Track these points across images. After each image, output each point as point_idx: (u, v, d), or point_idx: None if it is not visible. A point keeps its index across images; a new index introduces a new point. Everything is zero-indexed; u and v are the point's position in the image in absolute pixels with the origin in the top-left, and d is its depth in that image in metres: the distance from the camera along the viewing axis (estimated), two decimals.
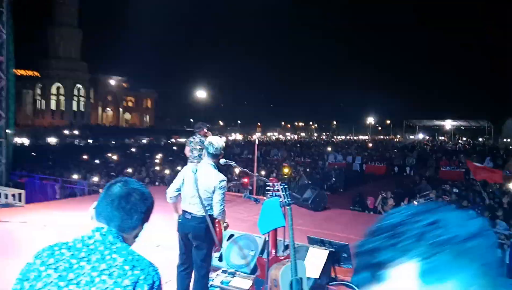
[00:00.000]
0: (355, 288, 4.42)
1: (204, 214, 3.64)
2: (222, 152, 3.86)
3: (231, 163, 3.88)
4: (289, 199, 3.10)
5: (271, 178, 3.57)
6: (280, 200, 3.10)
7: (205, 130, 7.35)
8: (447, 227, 0.66)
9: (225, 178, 3.77)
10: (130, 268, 1.31)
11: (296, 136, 73.61)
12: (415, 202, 10.38)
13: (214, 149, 3.73)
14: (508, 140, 41.45)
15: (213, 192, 3.66)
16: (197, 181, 3.66)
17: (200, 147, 7.18)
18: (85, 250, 1.34)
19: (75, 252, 1.33)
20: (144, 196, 1.49)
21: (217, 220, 3.75)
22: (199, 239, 3.67)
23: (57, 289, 1.28)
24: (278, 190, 3.13)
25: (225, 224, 3.87)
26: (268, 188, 3.25)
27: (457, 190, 13.06)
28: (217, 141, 3.80)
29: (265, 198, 3.35)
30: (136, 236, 1.50)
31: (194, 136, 7.40)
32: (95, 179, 14.91)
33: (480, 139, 48.15)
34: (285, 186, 3.11)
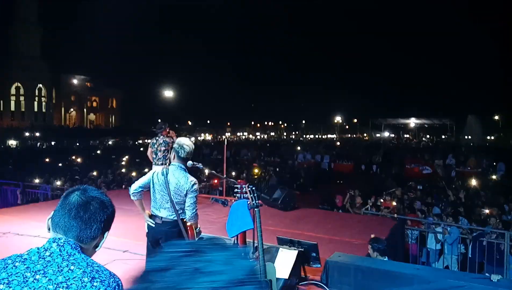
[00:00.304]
0: (325, 287, 4.47)
1: (176, 218, 3.58)
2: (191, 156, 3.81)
3: (198, 166, 3.82)
4: (257, 201, 3.09)
5: (239, 180, 3.53)
6: (248, 202, 3.08)
7: (168, 129, 7.26)
8: (214, 274, 0.69)
9: (196, 181, 3.71)
10: (89, 280, 1.26)
11: (265, 136, 73.96)
12: (382, 200, 10.64)
13: (185, 153, 3.67)
14: (469, 137, 43.19)
15: (185, 195, 3.59)
16: (169, 184, 3.59)
17: (164, 148, 7.09)
18: (41, 263, 1.27)
19: (31, 265, 1.26)
20: (103, 204, 1.44)
21: (188, 224, 3.69)
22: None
23: None
24: (246, 192, 3.11)
25: (197, 229, 3.82)
26: (236, 190, 3.23)
27: (421, 187, 13.47)
28: (188, 144, 3.74)
29: (233, 199, 3.32)
30: (96, 246, 1.45)
31: (156, 137, 7.25)
32: (59, 183, 14.41)
33: (443, 137, 49.96)
34: (253, 188, 3.09)
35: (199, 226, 3.87)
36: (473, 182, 14.72)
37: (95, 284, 1.26)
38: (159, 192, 3.64)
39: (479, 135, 43.86)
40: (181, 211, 3.63)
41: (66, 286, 1.23)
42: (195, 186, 3.63)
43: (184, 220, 3.66)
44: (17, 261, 1.27)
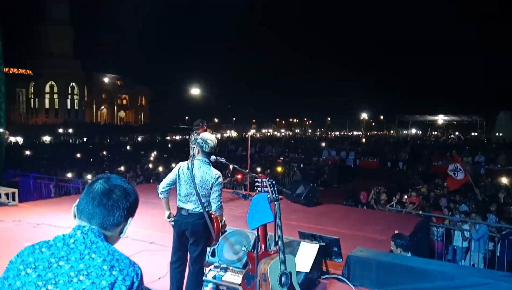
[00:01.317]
0: (346, 281, 4.51)
1: (202, 210, 3.70)
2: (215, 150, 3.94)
3: (221, 160, 3.93)
4: (277, 195, 3.17)
5: (260, 174, 3.62)
6: (268, 195, 3.16)
7: (205, 127, 7.32)
8: None
9: (221, 174, 3.83)
10: (108, 268, 1.29)
11: (290, 133, 73.74)
12: (406, 197, 10.50)
13: (209, 147, 3.79)
14: (501, 134, 41.76)
15: (211, 188, 3.71)
16: (195, 178, 3.71)
17: (194, 147, 7.21)
18: (65, 250, 1.33)
19: (55, 251, 1.33)
20: (126, 192, 1.47)
21: (213, 216, 3.81)
22: (196, 235, 3.72)
23: (35, 288, 1.28)
24: (266, 186, 3.19)
25: (222, 222, 3.93)
26: (257, 184, 3.31)
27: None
28: (212, 139, 3.84)
29: (255, 194, 3.41)
30: (121, 232, 1.48)
31: (192, 134, 7.35)
32: (90, 177, 14.90)
33: (473, 134, 48.50)
34: (273, 182, 3.16)
35: (224, 218, 3.99)
36: (504, 179, 14.30)
37: (113, 273, 1.29)
38: (185, 185, 3.76)
39: (510, 131, 42.36)
40: (207, 203, 3.74)
41: (86, 273, 1.27)
42: (220, 179, 3.74)
43: (210, 212, 3.77)
44: (43, 247, 1.34)
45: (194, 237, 3.74)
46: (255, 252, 3.38)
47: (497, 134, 42.46)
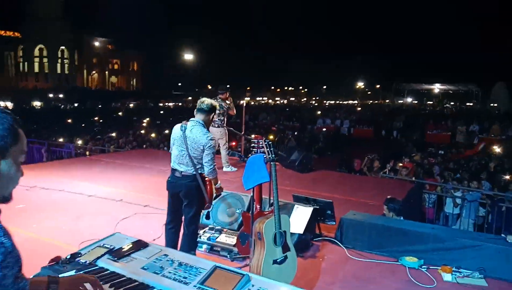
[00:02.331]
0: (339, 243, 4.56)
1: (194, 172, 3.66)
2: (213, 113, 3.89)
3: (218, 123, 3.88)
4: (273, 155, 3.13)
5: (255, 135, 3.57)
6: (265, 156, 3.12)
7: (227, 94, 7.65)
8: None
9: (213, 136, 3.78)
10: None
11: (285, 101, 73.40)
12: (400, 164, 10.56)
13: (206, 106, 3.77)
14: (495, 104, 41.88)
15: (202, 151, 3.66)
16: (187, 139, 3.66)
17: (219, 112, 7.39)
18: None
19: None
20: None
21: (207, 179, 3.79)
22: (190, 197, 3.71)
23: None
24: (262, 147, 3.15)
25: (217, 185, 3.92)
26: (253, 145, 3.27)
27: (442, 152, 13.29)
28: (209, 101, 3.85)
29: (250, 155, 3.37)
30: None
31: (216, 99, 7.44)
32: (81, 142, 14.80)
33: (468, 104, 48.58)
34: (269, 143, 3.12)
35: (219, 181, 3.96)
36: (496, 149, 14.44)
37: None
38: (177, 147, 3.72)
39: (506, 102, 42.47)
40: (200, 165, 3.70)
41: None
42: (212, 142, 3.68)
43: (203, 175, 3.75)
44: None
45: (187, 199, 3.73)
46: (250, 212, 3.37)
47: (492, 104, 42.60)
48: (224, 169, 8.01)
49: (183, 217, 3.84)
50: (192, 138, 3.67)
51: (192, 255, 1.94)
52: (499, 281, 3.71)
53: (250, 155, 3.34)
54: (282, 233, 3.00)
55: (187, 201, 3.75)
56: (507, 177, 9.74)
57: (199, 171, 3.70)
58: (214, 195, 4.06)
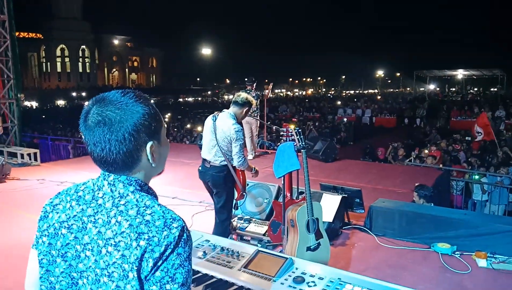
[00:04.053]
0: (369, 231, 4.54)
1: (224, 162, 3.69)
2: (248, 107, 3.88)
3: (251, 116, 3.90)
4: (303, 143, 3.13)
5: (284, 124, 3.57)
6: (295, 144, 3.12)
7: (254, 85, 8.11)
8: None
9: (241, 128, 3.76)
10: (135, 237, 0.97)
11: (304, 92, 72.93)
12: (426, 151, 10.39)
13: (240, 98, 3.81)
14: None
15: (230, 142, 3.68)
16: (216, 129, 3.70)
17: (256, 101, 7.83)
18: (93, 206, 1.05)
19: (84, 205, 1.07)
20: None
21: (237, 169, 3.81)
22: (218, 187, 3.76)
23: (75, 252, 1.05)
24: (292, 135, 3.15)
25: (253, 170, 3.92)
26: (282, 133, 3.27)
27: (469, 138, 13.00)
28: (244, 95, 3.90)
29: (279, 144, 3.38)
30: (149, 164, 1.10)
31: (247, 90, 7.93)
32: None
33: (492, 89, 47.27)
34: (299, 130, 3.12)
35: (254, 166, 3.95)
36: None
37: (141, 243, 0.97)
38: (207, 136, 3.76)
39: None
40: (229, 155, 3.73)
41: (114, 243, 0.99)
42: (239, 134, 3.67)
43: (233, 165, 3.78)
44: (74, 200, 1.10)
45: (215, 189, 3.78)
46: (280, 200, 3.38)
47: None
48: (249, 157, 8.26)
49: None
50: (221, 129, 3.70)
51: (233, 241, 1.97)
52: None
53: (279, 143, 3.34)
54: (315, 220, 3.01)
55: (216, 191, 3.79)
56: None
57: (231, 162, 3.72)
58: (256, 174, 4.02)
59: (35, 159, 8.93)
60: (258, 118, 8.05)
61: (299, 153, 3.14)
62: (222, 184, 3.74)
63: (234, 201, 4.44)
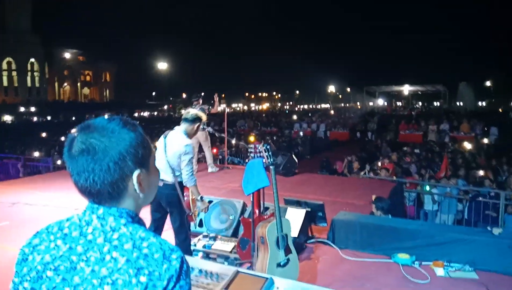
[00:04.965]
0: (332, 244, 4.66)
1: (173, 180, 3.70)
2: (198, 123, 3.95)
3: (208, 130, 3.95)
4: (272, 160, 3.20)
5: (252, 141, 3.65)
6: (264, 160, 3.19)
7: (200, 101, 8.10)
8: None
9: (190, 142, 3.79)
10: (134, 273, 0.93)
11: (260, 107, 73.77)
12: (379, 164, 10.82)
13: (190, 115, 3.87)
14: (461, 103, 43.40)
15: (179, 158, 3.71)
16: (166, 147, 3.72)
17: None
18: (82, 244, 0.98)
19: (72, 244, 0.99)
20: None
21: (185, 187, 3.82)
22: (172, 206, 3.73)
23: None
24: (261, 151, 3.21)
25: (198, 197, 3.89)
26: (250, 150, 3.33)
27: (417, 151, 13.68)
28: (193, 110, 4.03)
29: (247, 160, 3.43)
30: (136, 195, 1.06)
31: (192, 106, 7.95)
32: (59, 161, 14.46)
33: (435, 103, 50.10)
34: (268, 147, 3.19)
35: (200, 195, 3.93)
36: (467, 146, 14.96)
37: (141, 279, 0.93)
38: (159, 154, 3.75)
39: (471, 101, 44.15)
40: (179, 173, 3.76)
41: (111, 282, 0.93)
42: (187, 148, 3.69)
43: (181, 183, 3.80)
44: (59, 238, 1.02)
45: (170, 208, 3.76)
46: (248, 217, 3.42)
47: (458, 103, 44.12)
48: (210, 169, 8.35)
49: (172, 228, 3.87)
50: (171, 145, 3.75)
51: (210, 261, 1.98)
52: (489, 273, 3.87)
53: (247, 160, 3.39)
54: (284, 236, 3.07)
55: (171, 211, 3.76)
56: (481, 173, 10.12)
57: (179, 179, 3.74)
58: (198, 207, 4.01)
59: None
60: (206, 131, 8.09)
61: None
62: (176, 202, 3.73)
63: (191, 222, 4.41)
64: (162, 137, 3.87)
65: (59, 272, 0.98)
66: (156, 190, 1.14)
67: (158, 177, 1.14)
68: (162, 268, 0.94)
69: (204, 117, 4.02)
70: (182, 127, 3.86)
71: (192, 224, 4.43)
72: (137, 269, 0.93)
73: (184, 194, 3.81)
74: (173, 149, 3.71)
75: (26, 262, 1.03)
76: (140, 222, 1.06)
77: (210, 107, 8.35)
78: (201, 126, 7.84)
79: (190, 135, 3.85)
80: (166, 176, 3.71)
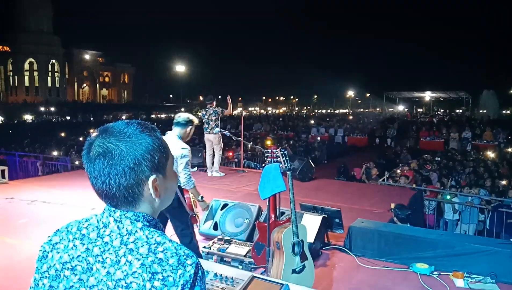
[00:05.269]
0: (348, 252, 4.56)
1: None
2: (191, 126, 3.88)
3: (225, 133, 3.90)
4: (289, 164, 3.14)
5: (270, 145, 3.60)
6: (280, 165, 3.13)
7: (215, 102, 8.28)
8: None
9: (187, 146, 3.76)
10: (148, 277, 0.92)
11: (277, 111, 73.73)
12: (398, 171, 10.64)
13: (182, 119, 3.81)
14: (484, 111, 42.52)
15: (176, 161, 3.66)
16: None
17: (215, 118, 8.14)
18: (99, 245, 0.99)
19: (89, 244, 1.00)
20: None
21: (184, 190, 3.78)
22: (171, 213, 3.67)
23: None
24: (277, 156, 3.16)
25: (199, 198, 3.88)
26: (267, 155, 3.27)
27: (438, 159, 13.41)
28: (184, 113, 3.96)
29: (264, 165, 3.38)
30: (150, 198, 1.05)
31: (206, 109, 8.25)
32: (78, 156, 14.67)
33: (458, 111, 49.24)
34: (285, 152, 3.14)
35: (201, 195, 3.94)
36: (490, 154, 14.62)
37: (155, 284, 0.92)
38: None
39: (495, 108, 43.19)
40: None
41: (125, 285, 0.93)
42: (184, 151, 3.66)
43: (180, 186, 3.76)
44: (77, 239, 1.02)
45: (170, 214, 3.70)
46: (264, 222, 3.37)
47: (481, 111, 43.26)
48: (214, 174, 8.38)
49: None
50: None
51: (226, 265, 1.94)
52: (510, 286, 3.73)
53: (264, 164, 3.35)
54: (300, 242, 3.00)
55: (171, 217, 3.71)
56: (503, 182, 9.86)
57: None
58: (203, 207, 4.03)
59: (3, 177, 8.56)
60: (220, 134, 8.15)
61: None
62: (176, 207, 3.68)
63: (198, 225, 4.37)
64: None
65: (76, 272, 0.99)
66: (173, 195, 1.12)
67: (176, 182, 1.13)
68: (176, 273, 0.92)
69: (195, 121, 3.96)
70: (175, 131, 3.80)
71: (196, 225, 4.40)
72: (152, 273, 0.92)
73: (185, 197, 3.77)
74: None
75: (46, 259, 1.05)
76: (157, 226, 1.04)
77: (224, 109, 8.33)
78: (216, 129, 7.94)
79: (184, 138, 3.79)
80: None
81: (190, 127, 3.86)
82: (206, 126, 8.18)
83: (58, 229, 1.09)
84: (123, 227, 0.99)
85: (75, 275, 0.99)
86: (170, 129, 3.86)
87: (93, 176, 1.00)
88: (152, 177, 1.00)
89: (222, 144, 8.51)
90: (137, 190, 1.00)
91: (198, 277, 0.95)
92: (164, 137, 3.39)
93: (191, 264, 0.95)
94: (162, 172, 1.04)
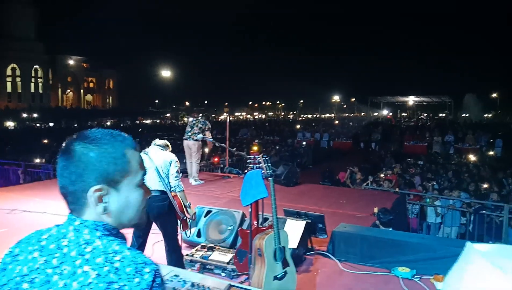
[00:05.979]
0: (332, 257, 4.58)
1: (163, 189, 3.69)
2: (169, 149, 4.09)
3: (208, 139, 3.93)
4: (271, 171, 3.15)
5: (251, 151, 3.62)
6: (263, 171, 3.13)
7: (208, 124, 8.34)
8: None
9: (174, 156, 3.95)
10: (104, 287, 0.90)
11: (263, 116, 73.88)
12: (382, 175, 10.74)
13: (161, 145, 3.99)
14: (467, 114, 43.31)
15: (169, 165, 3.78)
16: (152, 159, 3.75)
17: (201, 126, 8.07)
18: (58, 256, 0.96)
19: (48, 257, 0.97)
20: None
21: (173, 194, 3.81)
22: (162, 217, 3.70)
23: None
24: (259, 163, 3.16)
25: (187, 204, 3.92)
26: (249, 161, 3.28)
27: (421, 163, 13.58)
28: (161, 140, 4.09)
29: (246, 171, 3.38)
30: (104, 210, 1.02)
31: (198, 118, 8.34)
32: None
33: (441, 115, 50.04)
34: (267, 158, 3.14)
35: (188, 202, 3.98)
36: (472, 158, 14.87)
37: None
38: (147, 169, 3.72)
39: (477, 112, 44.02)
40: (167, 180, 3.79)
41: None
42: (174, 158, 3.87)
43: (173, 194, 3.80)
44: (36, 250, 1.00)
45: (159, 220, 3.72)
46: (246, 228, 3.36)
47: (463, 115, 44.02)
48: (193, 182, 8.22)
49: (162, 237, 3.83)
50: (157, 157, 3.78)
51: (203, 275, 1.92)
52: None
53: (246, 171, 3.35)
54: (282, 249, 3.00)
55: (159, 222, 3.71)
56: (485, 185, 10.03)
57: (167, 189, 3.74)
58: (191, 214, 4.08)
59: None
60: (200, 142, 8.11)
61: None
62: (167, 212, 3.71)
63: (187, 231, 4.37)
64: (143, 154, 3.79)
65: (34, 285, 0.96)
66: (139, 212, 1.08)
67: (138, 197, 1.07)
68: (133, 282, 0.90)
69: (170, 146, 4.11)
70: (156, 147, 3.97)
71: (185, 232, 4.39)
72: (107, 283, 0.90)
73: (176, 201, 3.79)
74: (162, 159, 3.78)
75: (5, 272, 1.02)
76: (118, 235, 1.02)
77: (208, 132, 8.16)
78: (199, 136, 7.93)
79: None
80: (155, 186, 3.67)
81: (169, 149, 4.05)
82: (189, 129, 8.12)
83: (20, 240, 1.06)
84: (81, 237, 0.97)
85: (33, 288, 0.96)
86: (156, 136, 3.92)
87: (58, 174, 1.02)
88: (94, 187, 0.98)
89: (200, 154, 8.39)
90: (81, 197, 0.99)
91: (156, 284, 0.93)
92: (150, 149, 3.38)
93: (149, 272, 0.93)
94: (113, 185, 1.01)
